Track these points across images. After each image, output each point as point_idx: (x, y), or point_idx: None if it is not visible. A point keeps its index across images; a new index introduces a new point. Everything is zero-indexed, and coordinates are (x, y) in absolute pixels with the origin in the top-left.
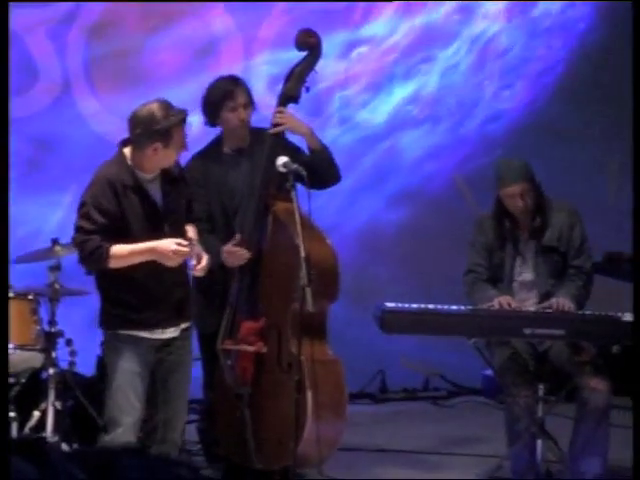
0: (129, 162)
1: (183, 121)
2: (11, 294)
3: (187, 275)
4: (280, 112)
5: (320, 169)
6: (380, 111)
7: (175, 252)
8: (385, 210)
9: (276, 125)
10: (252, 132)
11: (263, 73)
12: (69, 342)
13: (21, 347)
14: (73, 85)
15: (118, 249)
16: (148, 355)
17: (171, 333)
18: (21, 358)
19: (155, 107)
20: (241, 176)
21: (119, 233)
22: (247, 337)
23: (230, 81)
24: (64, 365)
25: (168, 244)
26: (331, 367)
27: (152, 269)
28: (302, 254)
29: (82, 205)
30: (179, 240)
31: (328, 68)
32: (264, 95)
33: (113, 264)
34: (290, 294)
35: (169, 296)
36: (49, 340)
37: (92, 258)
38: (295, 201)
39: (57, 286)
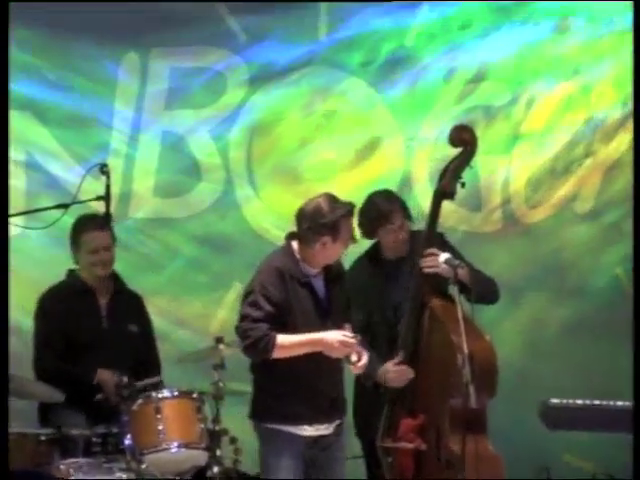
0: (297, 255)
1: (350, 213)
2: (175, 393)
3: (342, 373)
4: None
5: (476, 293)
6: (542, 207)
7: (342, 343)
8: (548, 306)
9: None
10: (411, 236)
11: (424, 171)
12: (233, 440)
13: (186, 446)
14: (235, 184)
15: (284, 339)
16: (301, 451)
17: (324, 430)
18: (186, 456)
19: (321, 201)
20: (402, 287)
21: (283, 324)
22: (406, 434)
23: (386, 201)
24: (228, 463)
25: (335, 335)
26: (492, 463)
27: (308, 363)
28: (465, 351)
29: (250, 293)
30: (345, 332)
31: (490, 164)
32: (423, 191)
33: (277, 354)
34: (447, 391)
35: (323, 392)
36: (213, 438)
37: (258, 347)
38: (457, 297)
39: (221, 385)
